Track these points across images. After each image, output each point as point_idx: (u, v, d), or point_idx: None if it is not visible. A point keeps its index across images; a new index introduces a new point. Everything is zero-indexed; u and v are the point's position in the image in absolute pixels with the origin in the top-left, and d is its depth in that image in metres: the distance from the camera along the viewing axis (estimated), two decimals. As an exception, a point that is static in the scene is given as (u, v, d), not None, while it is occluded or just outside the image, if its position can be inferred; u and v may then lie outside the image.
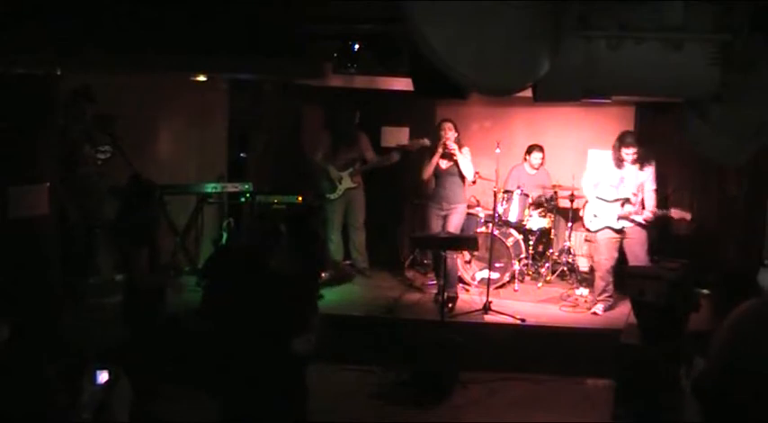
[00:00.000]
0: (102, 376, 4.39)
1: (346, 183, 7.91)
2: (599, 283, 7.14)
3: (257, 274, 4.08)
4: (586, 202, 7.32)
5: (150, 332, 4.65)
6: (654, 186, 6.89)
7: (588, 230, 7.33)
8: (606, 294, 7.11)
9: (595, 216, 7.03)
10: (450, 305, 7.02)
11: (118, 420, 4.52)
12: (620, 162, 6.86)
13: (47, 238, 5.68)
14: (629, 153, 6.79)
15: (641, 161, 6.84)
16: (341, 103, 8.19)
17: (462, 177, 7.25)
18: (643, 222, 6.85)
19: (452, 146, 7.11)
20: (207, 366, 4.29)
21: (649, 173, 6.87)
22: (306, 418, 4.16)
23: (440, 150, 7.18)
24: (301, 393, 4.11)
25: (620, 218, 6.89)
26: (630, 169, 6.88)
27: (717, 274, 3.53)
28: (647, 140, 7.09)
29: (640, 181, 6.86)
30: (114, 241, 5.02)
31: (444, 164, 7.23)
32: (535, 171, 8.29)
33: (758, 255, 6.78)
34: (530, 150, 8.28)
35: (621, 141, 6.85)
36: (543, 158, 8.27)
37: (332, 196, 7.88)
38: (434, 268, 7.87)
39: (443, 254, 6.73)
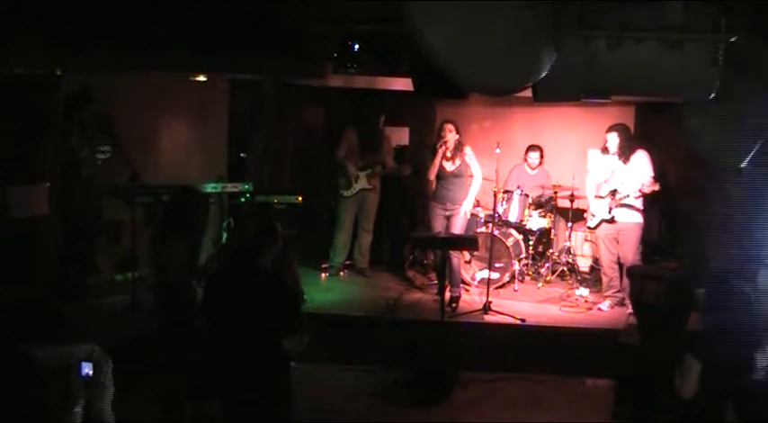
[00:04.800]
0: (88, 369, 4.41)
1: (362, 183, 7.92)
2: (603, 279, 7.25)
3: (253, 272, 4.07)
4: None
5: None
6: (651, 173, 6.82)
7: (589, 228, 7.41)
8: (613, 290, 7.16)
9: (593, 215, 7.12)
10: (454, 305, 7.05)
11: (105, 413, 4.54)
12: (604, 150, 6.98)
13: (47, 238, 5.67)
14: (607, 140, 6.89)
15: (624, 153, 6.84)
16: (367, 103, 8.21)
17: (467, 178, 7.25)
18: (634, 203, 6.82)
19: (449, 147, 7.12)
20: (206, 366, 4.28)
21: (639, 163, 6.84)
22: (293, 418, 4.16)
23: (441, 151, 7.17)
24: (291, 393, 4.11)
25: (611, 208, 6.90)
26: (617, 162, 6.89)
27: (715, 273, 3.53)
28: (640, 137, 7.07)
29: (629, 172, 6.85)
30: (154, 239, 5.10)
31: (449, 166, 7.21)
32: (535, 171, 8.29)
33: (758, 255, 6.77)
34: (527, 150, 8.29)
35: (607, 130, 6.99)
36: (541, 158, 8.26)
37: (346, 193, 7.91)
38: (435, 268, 7.86)
39: (447, 254, 6.73)
